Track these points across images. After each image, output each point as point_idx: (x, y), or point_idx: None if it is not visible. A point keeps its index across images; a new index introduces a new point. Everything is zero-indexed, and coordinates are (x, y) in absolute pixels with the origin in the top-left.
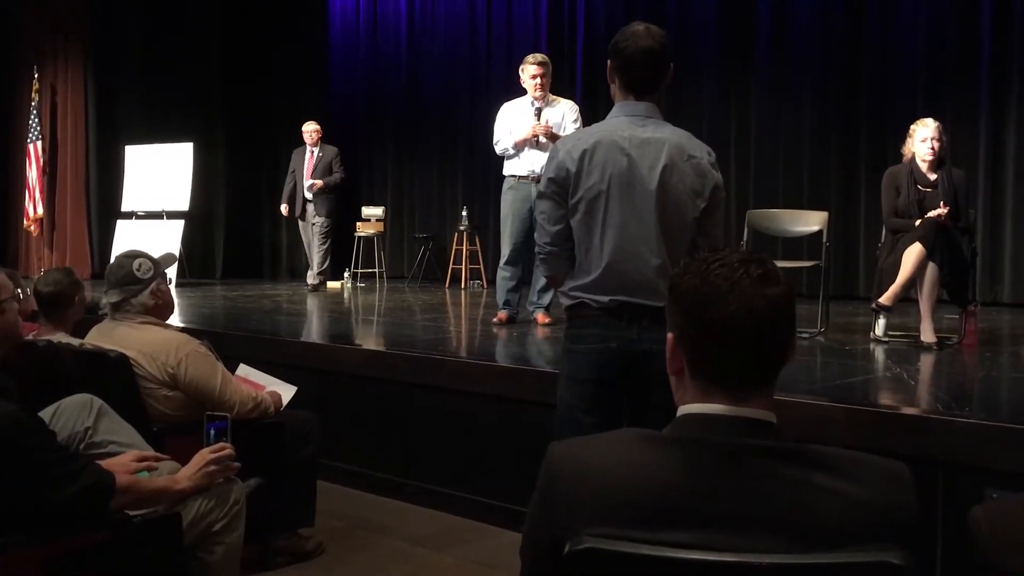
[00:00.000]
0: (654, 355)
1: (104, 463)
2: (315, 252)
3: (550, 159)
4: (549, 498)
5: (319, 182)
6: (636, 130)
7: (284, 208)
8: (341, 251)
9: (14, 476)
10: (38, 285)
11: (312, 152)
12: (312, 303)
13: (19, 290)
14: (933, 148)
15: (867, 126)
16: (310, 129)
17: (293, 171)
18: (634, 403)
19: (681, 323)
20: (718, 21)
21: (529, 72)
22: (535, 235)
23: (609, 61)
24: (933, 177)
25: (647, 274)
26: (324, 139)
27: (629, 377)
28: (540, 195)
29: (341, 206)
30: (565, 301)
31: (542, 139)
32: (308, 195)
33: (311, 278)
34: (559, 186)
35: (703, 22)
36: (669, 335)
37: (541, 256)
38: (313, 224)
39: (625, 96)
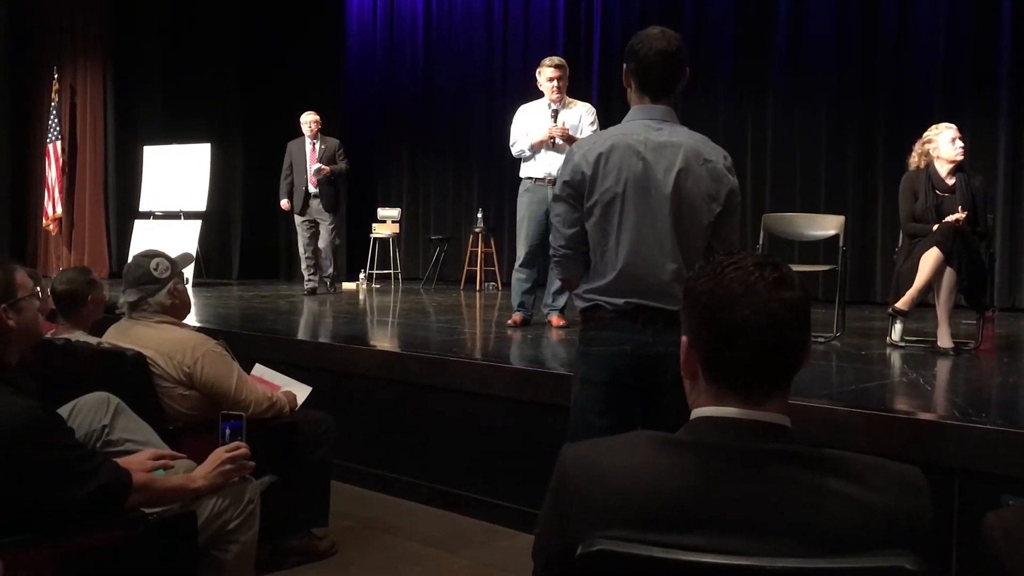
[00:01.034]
0: (668, 358)
1: (121, 461)
2: (325, 255)
3: (565, 162)
4: (562, 500)
5: (326, 167)
6: (652, 134)
7: (285, 203)
8: (356, 252)
9: (32, 473)
10: (54, 284)
11: (313, 144)
12: (327, 304)
13: (39, 288)
14: (962, 147)
15: (884, 130)
16: (309, 120)
17: (291, 164)
18: (647, 406)
19: (695, 326)
20: (735, 24)
21: (546, 74)
22: (550, 237)
23: (625, 65)
24: (951, 182)
25: (662, 278)
26: (341, 139)
27: (643, 380)
28: (555, 198)
29: (351, 204)
30: (580, 304)
31: (558, 141)
32: (312, 188)
33: (309, 281)
34: (574, 189)
35: (720, 25)
36: (684, 338)
37: (556, 259)
38: (320, 223)
39: (641, 99)
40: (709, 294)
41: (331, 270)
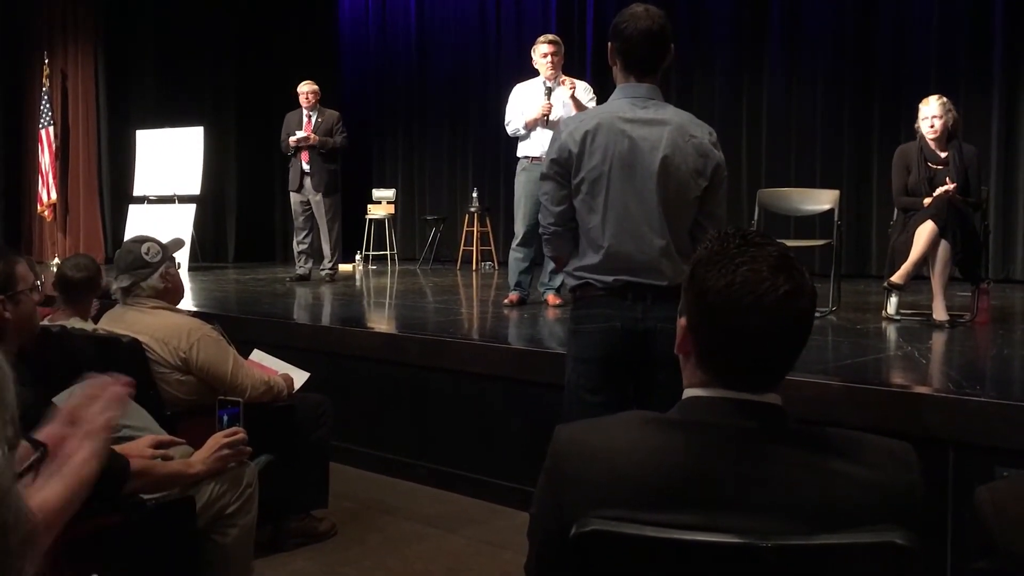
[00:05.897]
0: (659, 333)
1: (120, 448)
2: (323, 240)
3: (553, 141)
4: (555, 480)
5: (312, 135)
6: (638, 112)
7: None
8: (352, 233)
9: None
10: (66, 270)
11: (309, 117)
12: (324, 287)
13: (38, 281)
14: (933, 126)
15: (880, 104)
16: (307, 90)
17: (286, 137)
18: (640, 382)
19: (697, 316)
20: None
21: (541, 51)
22: (539, 216)
23: (610, 43)
24: (944, 154)
25: (650, 254)
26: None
27: (634, 355)
28: (543, 176)
29: (346, 185)
30: (570, 282)
31: (553, 118)
32: (305, 164)
33: (300, 268)
34: (561, 167)
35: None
36: (682, 320)
37: (545, 236)
38: (316, 204)
39: (626, 78)
40: (717, 293)
41: (329, 266)
